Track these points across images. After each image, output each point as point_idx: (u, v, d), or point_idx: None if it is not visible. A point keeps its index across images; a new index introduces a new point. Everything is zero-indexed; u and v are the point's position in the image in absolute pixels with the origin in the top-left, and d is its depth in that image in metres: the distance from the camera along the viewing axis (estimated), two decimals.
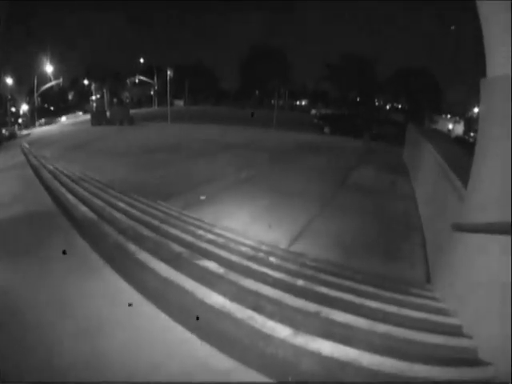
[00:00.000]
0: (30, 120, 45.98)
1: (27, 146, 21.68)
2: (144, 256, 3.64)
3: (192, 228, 5.35)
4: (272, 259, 4.28)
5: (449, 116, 55.83)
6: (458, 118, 53.15)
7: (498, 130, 2.86)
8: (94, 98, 59.57)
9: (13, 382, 2.25)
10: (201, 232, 5.13)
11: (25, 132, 36.90)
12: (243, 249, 4.58)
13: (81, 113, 51.70)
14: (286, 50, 68.15)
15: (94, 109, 40.67)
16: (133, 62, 65.32)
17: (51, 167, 11.09)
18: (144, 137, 22.97)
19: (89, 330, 2.72)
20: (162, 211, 6.34)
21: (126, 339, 2.62)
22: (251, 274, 3.48)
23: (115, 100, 63.12)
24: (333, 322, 2.66)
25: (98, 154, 15.40)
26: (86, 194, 6.84)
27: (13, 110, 45.59)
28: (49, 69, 48.32)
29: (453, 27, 45.46)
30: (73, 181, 8.52)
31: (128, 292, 3.23)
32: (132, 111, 39.83)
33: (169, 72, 44.76)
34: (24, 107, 49.70)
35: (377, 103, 67.69)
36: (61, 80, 51.30)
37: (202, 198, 8.04)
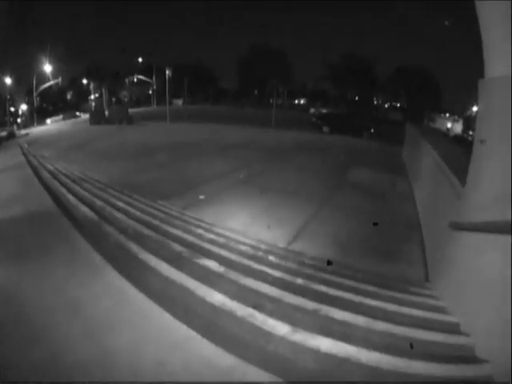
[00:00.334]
0: (29, 120, 45.89)
1: (26, 145, 21.69)
2: (145, 256, 3.67)
3: (192, 228, 5.37)
4: (271, 258, 4.31)
5: (447, 115, 55.90)
6: (456, 117, 53.21)
7: (496, 130, 2.89)
8: (92, 97, 59.53)
9: (13, 381, 2.26)
10: (201, 231, 5.16)
11: (23, 132, 36.85)
12: (243, 248, 4.61)
13: (78, 113, 51.12)
14: (286, 49, 68.23)
15: (93, 108, 40.62)
16: (132, 62, 65.34)
17: (51, 167, 11.10)
18: (143, 136, 22.94)
19: (95, 329, 2.75)
20: (162, 211, 6.37)
21: (131, 338, 2.65)
22: (251, 273, 3.51)
23: (114, 99, 63.09)
24: (332, 320, 2.69)
25: (97, 154, 15.39)
26: (85, 194, 6.86)
27: (12, 109, 45.51)
28: (48, 68, 48.29)
29: (447, 23, 45.28)
30: (73, 181, 8.53)
31: (130, 291, 3.26)
32: (131, 110, 39.80)
33: (167, 71, 44.73)
34: (23, 107, 49.62)
35: (375, 102, 67.74)
36: (59, 79, 51.22)
37: (201, 197, 8.06)
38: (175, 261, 3.59)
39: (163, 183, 9.47)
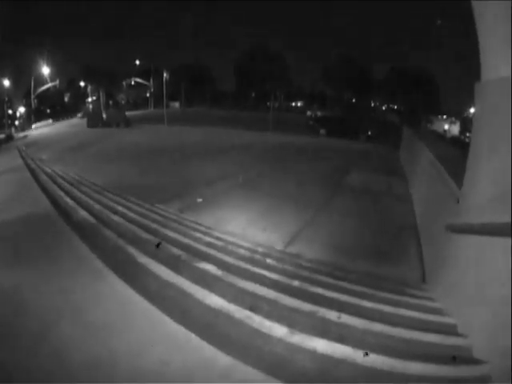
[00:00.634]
0: (27, 122, 45.70)
1: (24, 148, 21.65)
2: (144, 259, 3.67)
3: (190, 231, 5.38)
4: (269, 261, 4.32)
5: (445, 116, 56.01)
6: (453, 119, 53.32)
7: (492, 132, 2.91)
8: (90, 99, 59.42)
9: (13, 381, 2.27)
10: (199, 235, 5.16)
11: (22, 134, 36.75)
12: (240, 251, 4.61)
13: (79, 114, 50.53)
14: (283, 51, 68.29)
15: (91, 111, 40.56)
16: (129, 64, 65.35)
17: (49, 170, 11.09)
18: (140, 139, 22.96)
19: (98, 331, 2.76)
20: (160, 214, 6.37)
21: (131, 339, 2.66)
22: (248, 276, 3.52)
23: (111, 102, 63.01)
24: (328, 322, 2.71)
25: (94, 157, 15.41)
26: (83, 196, 6.86)
27: (10, 112, 45.38)
28: (45, 70, 48.18)
29: (439, 22, 45.34)
30: (70, 184, 8.53)
31: (130, 294, 3.26)
32: (128, 113, 39.78)
33: (165, 74, 44.75)
34: (21, 109, 49.47)
35: (372, 104, 67.84)
36: (57, 82, 51.11)
37: (199, 200, 8.07)
38: (174, 264, 3.60)
39: (161, 186, 9.47)
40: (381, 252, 5.78)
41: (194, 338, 2.63)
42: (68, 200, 6.27)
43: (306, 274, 4.00)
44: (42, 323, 2.86)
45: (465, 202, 3.29)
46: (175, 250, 4.01)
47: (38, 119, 46.25)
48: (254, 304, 2.87)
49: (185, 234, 5.01)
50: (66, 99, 64.37)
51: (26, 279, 3.56)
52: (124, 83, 64.95)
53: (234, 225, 6.55)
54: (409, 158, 12.80)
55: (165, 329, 2.77)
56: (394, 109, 64.59)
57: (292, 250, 5.55)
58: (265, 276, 3.61)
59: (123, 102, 65.37)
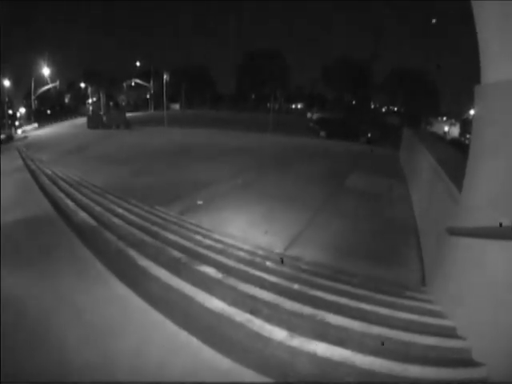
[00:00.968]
0: (27, 123, 45.68)
1: (24, 149, 21.66)
2: (145, 262, 3.68)
3: (191, 233, 5.39)
4: (268, 263, 4.33)
5: (445, 118, 56.04)
6: (453, 121, 53.32)
7: (493, 135, 2.92)
8: (90, 101, 59.50)
9: (13, 381, 2.28)
10: (199, 237, 5.17)
11: (22, 135, 36.75)
12: (240, 254, 4.62)
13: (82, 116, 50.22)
14: (283, 52, 68.39)
15: (91, 112, 40.59)
16: (129, 65, 65.43)
17: (49, 171, 11.10)
18: (140, 141, 22.97)
19: (99, 334, 2.77)
20: (160, 216, 6.38)
21: (132, 342, 2.67)
22: (249, 279, 3.53)
23: (111, 103, 63.08)
24: (328, 325, 2.71)
25: (94, 159, 15.41)
26: (83, 198, 6.86)
27: (10, 112, 45.37)
28: (46, 71, 48.23)
29: (434, 20, 45.23)
30: (70, 185, 8.54)
31: (131, 297, 3.27)
32: (128, 115, 39.80)
33: (165, 76, 44.82)
34: (21, 110, 49.49)
35: (372, 106, 67.89)
36: (57, 83, 51.16)
37: (200, 202, 8.08)
38: (174, 267, 3.60)
39: (161, 188, 9.48)
40: (380, 254, 5.79)
41: (194, 341, 2.64)
42: (68, 202, 6.28)
43: (305, 276, 4.01)
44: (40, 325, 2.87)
45: (465, 205, 3.30)
46: (176, 253, 4.02)
47: (38, 120, 46.19)
48: (254, 307, 2.88)
49: (185, 237, 5.02)
50: (66, 100, 64.43)
51: (24, 281, 3.58)
52: (124, 84, 65.02)
53: (234, 227, 6.56)
54: (409, 159, 12.80)
55: (165, 331, 2.78)
56: (394, 111, 64.64)
57: (292, 252, 5.56)
58: (265, 279, 3.62)
59: (123, 103, 65.40)
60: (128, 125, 34.15)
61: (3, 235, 4.91)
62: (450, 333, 2.86)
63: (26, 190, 8.50)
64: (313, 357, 2.35)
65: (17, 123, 45.08)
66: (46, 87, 49.53)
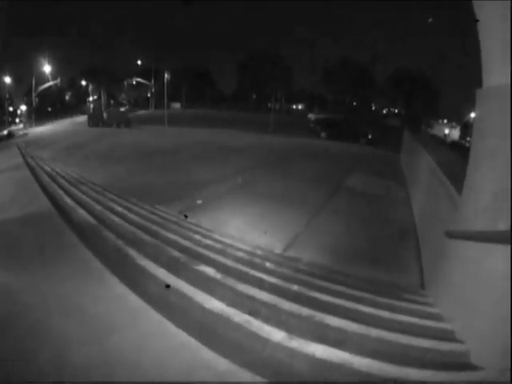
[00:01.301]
0: (27, 120, 45.68)
1: (24, 146, 21.65)
2: (144, 262, 3.68)
3: (190, 233, 5.38)
4: (267, 264, 4.33)
5: (445, 121, 56.14)
6: (454, 124, 53.42)
7: (493, 139, 2.92)
8: (91, 99, 59.46)
9: (13, 382, 2.28)
10: (198, 237, 5.16)
11: (22, 132, 36.76)
12: (239, 254, 4.62)
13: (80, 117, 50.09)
14: (284, 53, 68.50)
15: (91, 110, 40.57)
16: (131, 64, 65.47)
17: (48, 169, 11.08)
18: (141, 140, 22.95)
19: (97, 334, 2.77)
20: (159, 216, 6.37)
21: (131, 342, 2.68)
22: (247, 279, 3.53)
23: (112, 101, 63.07)
24: (327, 327, 2.71)
25: (94, 157, 15.40)
26: (83, 196, 6.86)
27: (10, 109, 45.39)
28: (47, 69, 48.18)
29: (430, 19, 45.11)
30: (70, 183, 8.53)
31: (130, 297, 3.28)
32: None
33: (166, 75, 44.79)
34: (22, 107, 49.49)
35: (373, 107, 67.96)
36: (58, 80, 51.09)
37: (199, 202, 8.07)
38: (173, 267, 3.60)
39: (161, 187, 9.47)
40: (379, 256, 5.78)
41: (193, 341, 2.64)
42: (68, 200, 6.28)
43: (304, 277, 4.01)
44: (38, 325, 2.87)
45: (464, 208, 3.30)
46: (175, 253, 4.02)
47: (39, 118, 46.18)
48: (252, 308, 2.88)
49: (184, 237, 5.02)
50: (67, 98, 64.44)
51: (22, 280, 3.57)
52: (125, 83, 65.02)
53: (234, 227, 6.56)
54: (409, 161, 12.82)
55: (164, 332, 2.78)
56: (394, 113, 64.71)
57: (291, 253, 5.55)
58: (264, 280, 3.62)
59: (125, 102, 65.41)
60: (128, 123, 34.12)
61: (1, 232, 4.93)
62: (448, 336, 2.86)
63: (25, 187, 8.50)
64: (311, 358, 2.35)
65: (17, 120, 45.12)
66: (47, 84, 49.48)
